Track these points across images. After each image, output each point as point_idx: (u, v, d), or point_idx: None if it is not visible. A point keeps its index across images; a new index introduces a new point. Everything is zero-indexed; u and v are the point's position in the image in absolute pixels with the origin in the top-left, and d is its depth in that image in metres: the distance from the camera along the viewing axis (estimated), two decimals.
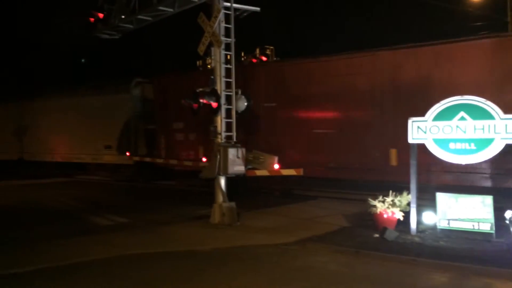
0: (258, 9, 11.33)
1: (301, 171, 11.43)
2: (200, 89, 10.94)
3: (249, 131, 13.46)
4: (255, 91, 13.21)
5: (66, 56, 35.11)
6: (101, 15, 13.68)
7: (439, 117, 8.66)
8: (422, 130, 8.79)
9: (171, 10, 12.17)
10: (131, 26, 13.54)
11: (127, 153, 18.92)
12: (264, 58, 23.09)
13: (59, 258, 7.83)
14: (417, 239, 8.58)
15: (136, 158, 18.51)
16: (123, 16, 13.23)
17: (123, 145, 19.56)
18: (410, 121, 8.90)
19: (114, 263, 7.57)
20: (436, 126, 8.67)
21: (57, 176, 22.25)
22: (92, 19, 13.73)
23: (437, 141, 8.68)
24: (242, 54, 25.49)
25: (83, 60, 38.70)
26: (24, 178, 21.92)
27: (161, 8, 12.17)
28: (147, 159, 17.77)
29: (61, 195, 16.08)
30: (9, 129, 25.64)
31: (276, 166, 11.52)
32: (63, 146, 22.52)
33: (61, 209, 13.38)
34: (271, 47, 22.64)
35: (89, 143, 21.00)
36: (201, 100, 10.76)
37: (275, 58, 20.96)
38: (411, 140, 8.91)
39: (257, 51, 22.49)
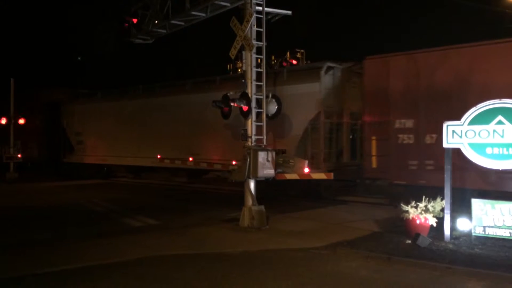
0: (289, 12, 11.34)
1: (331, 175, 11.35)
2: (231, 93, 11.05)
3: None
4: None
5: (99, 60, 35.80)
6: (135, 21, 14.02)
7: (475, 121, 8.45)
8: (457, 135, 8.59)
9: (204, 15, 12.35)
10: (164, 31, 13.81)
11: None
12: (294, 62, 23.10)
13: (92, 258, 8.03)
14: (451, 246, 8.37)
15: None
16: (156, 21, 13.51)
17: (306, 151, 14.76)
18: (444, 125, 8.72)
19: (146, 264, 7.70)
20: (472, 130, 8.47)
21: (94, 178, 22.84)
22: (126, 25, 14.08)
23: (473, 146, 8.48)
24: (273, 58, 25.56)
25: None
26: (62, 180, 22.53)
27: (193, 13, 12.37)
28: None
29: (94, 196, 16.47)
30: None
31: (306, 170, 11.47)
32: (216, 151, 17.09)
33: (95, 210, 13.73)
34: (302, 51, 22.62)
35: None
36: (231, 104, 10.86)
37: (305, 62, 20.84)
38: (445, 144, 8.73)
39: (288, 54, 22.51)
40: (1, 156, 23.08)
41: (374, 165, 12.51)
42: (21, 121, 23.51)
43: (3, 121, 23.37)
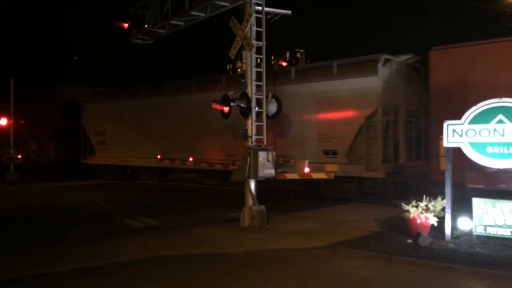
0: (289, 12, 11.33)
1: (332, 175, 11.34)
2: (231, 92, 11.04)
3: None
4: None
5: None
6: (134, 21, 14.02)
7: (476, 120, 8.45)
8: (458, 134, 8.59)
9: (203, 15, 12.35)
10: (163, 31, 13.81)
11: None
12: (294, 61, 23.09)
13: (93, 258, 8.02)
14: (452, 245, 8.37)
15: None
16: (155, 22, 13.51)
17: (361, 150, 13.77)
18: (445, 124, 8.72)
19: (148, 264, 7.69)
20: (473, 129, 8.47)
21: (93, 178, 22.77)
22: (126, 25, 14.07)
23: (473, 145, 8.47)
24: (272, 58, 25.54)
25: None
26: (62, 180, 22.50)
27: (193, 13, 12.37)
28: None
29: (95, 197, 16.45)
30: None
31: (307, 170, 11.45)
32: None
33: (95, 211, 13.71)
34: (301, 50, 22.61)
35: (306, 146, 14.67)
36: (232, 104, 10.85)
37: (306, 61, 20.79)
38: (446, 143, 8.73)
39: (287, 54, 22.49)
40: (1, 157, 23.06)
41: (442, 167, 10.96)
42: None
43: (3, 121, 23.35)
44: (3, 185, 21.07)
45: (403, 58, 14.41)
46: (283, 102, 11.54)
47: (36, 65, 37.10)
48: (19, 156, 23.01)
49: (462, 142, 8.57)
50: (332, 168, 13.56)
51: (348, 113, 13.91)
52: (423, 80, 14.82)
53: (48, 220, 12.08)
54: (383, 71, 13.58)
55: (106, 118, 22.32)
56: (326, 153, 14.28)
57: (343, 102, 13.95)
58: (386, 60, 13.73)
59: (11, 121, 23.22)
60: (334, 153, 14.09)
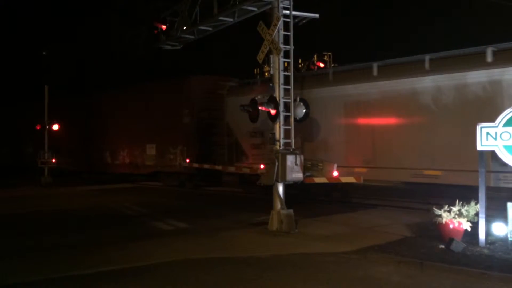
0: (317, 15, 11.31)
1: (361, 179, 11.22)
2: (259, 97, 11.09)
3: None
4: None
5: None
6: (164, 27, 14.27)
7: (511, 122, 8.21)
8: (492, 137, 8.36)
9: (231, 20, 12.46)
10: (192, 37, 14.01)
11: None
12: (321, 65, 23.01)
13: (123, 261, 8.17)
14: (486, 251, 8.14)
15: None
16: (185, 27, 13.71)
17: None
18: (478, 127, 8.51)
19: (176, 267, 7.78)
20: (508, 132, 8.23)
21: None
22: (155, 31, 14.35)
23: (508, 148, 8.24)
24: (300, 61, 25.50)
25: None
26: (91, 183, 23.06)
27: (221, 18, 12.50)
28: None
29: (126, 200, 16.76)
30: None
31: (335, 174, 11.38)
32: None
33: (126, 213, 13.98)
34: (329, 53, 22.49)
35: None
36: (259, 107, 10.89)
37: (333, 65, 20.67)
38: (479, 147, 8.51)
39: (315, 57, 22.40)
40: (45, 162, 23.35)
41: None
42: (55, 127, 23.97)
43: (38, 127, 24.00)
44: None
45: None
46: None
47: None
48: (53, 161, 23.68)
49: (497, 145, 8.34)
50: None
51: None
52: None
53: (80, 222, 12.40)
54: None
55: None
56: None
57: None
58: None
59: (46, 126, 23.88)
60: None
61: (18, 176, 26.79)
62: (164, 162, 20.92)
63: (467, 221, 8.68)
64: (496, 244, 8.44)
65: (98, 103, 25.83)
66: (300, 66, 26.23)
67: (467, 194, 9.13)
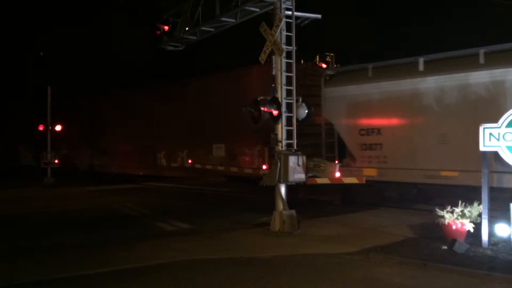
0: (319, 16, 11.29)
1: (363, 179, 11.21)
2: (261, 97, 11.07)
3: None
4: None
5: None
6: (166, 28, 14.26)
7: None
8: (494, 137, 8.34)
9: (233, 21, 12.46)
10: (194, 38, 14.00)
11: None
12: (324, 65, 22.94)
13: (127, 261, 8.18)
14: (489, 252, 8.12)
15: None
16: (187, 28, 13.70)
17: None
18: (481, 128, 8.49)
19: (179, 268, 7.79)
20: (510, 133, 8.21)
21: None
22: (158, 32, 14.34)
23: (511, 149, 8.21)
24: (302, 62, 25.43)
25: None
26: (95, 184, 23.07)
27: (223, 19, 12.49)
28: None
29: (129, 201, 16.78)
30: None
31: (338, 174, 11.36)
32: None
33: (129, 214, 13.99)
34: (331, 54, 22.41)
35: None
36: (262, 108, 10.88)
37: (335, 65, 20.62)
38: (482, 147, 8.49)
39: (317, 58, 22.33)
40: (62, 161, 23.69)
41: None
42: (58, 128, 23.97)
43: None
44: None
45: None
46: None
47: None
48: (56, 161, 23.72)
49: (500, 146, 8.32)
50: None
51: None
52: None
53: (87, 223, 12.43)
54: None
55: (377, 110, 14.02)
56: None
57: None
58: None
59: (49, 127, 23.89)
60: None
61: (18, 177, 26.89)
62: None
63: (470, 222, 8.67)
64: (499, 245, 8.41)
65: (140, 99, 23.79)
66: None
67: (471, 195, 9.12)
